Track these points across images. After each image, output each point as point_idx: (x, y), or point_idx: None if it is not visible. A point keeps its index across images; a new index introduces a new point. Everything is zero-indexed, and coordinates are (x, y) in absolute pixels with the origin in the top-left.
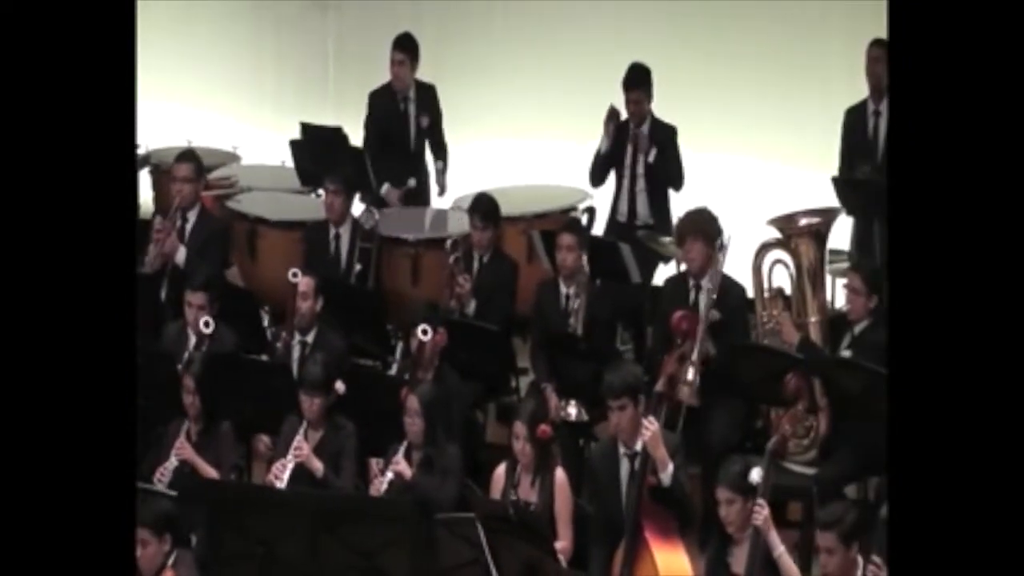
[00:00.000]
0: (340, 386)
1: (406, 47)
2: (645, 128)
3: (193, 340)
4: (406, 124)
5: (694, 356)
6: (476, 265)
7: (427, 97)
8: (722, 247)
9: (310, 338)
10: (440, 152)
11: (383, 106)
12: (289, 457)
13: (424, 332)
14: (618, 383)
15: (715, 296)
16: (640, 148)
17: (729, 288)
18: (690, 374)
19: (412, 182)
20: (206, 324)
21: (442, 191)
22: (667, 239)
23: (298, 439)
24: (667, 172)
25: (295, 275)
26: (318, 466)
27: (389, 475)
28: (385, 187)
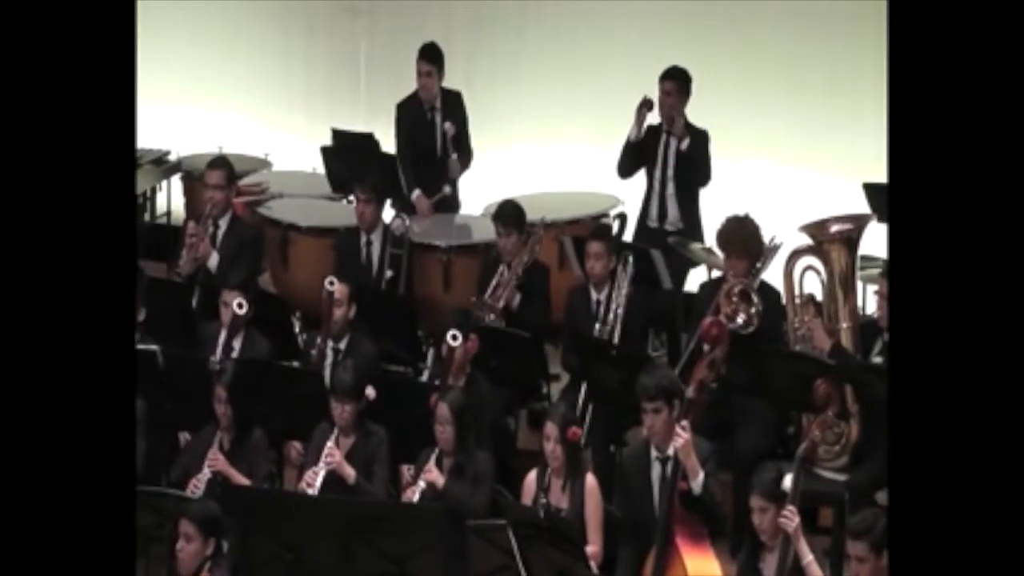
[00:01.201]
0: (371, 392)
1: (432, 58)
2: (676, 131)
3: (224, 338)
4: (433, 133)
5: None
6: (504, 272)
7: (453, 104)
8: (772, 249)
9: (343, 345)
10: (465, 158)
11: (410, 116)
12: (321, 464)
13: (454, 338)
14: (652, 384)
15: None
16: (671, 150)
17: (764, 294)
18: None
19: (447, 189)
20: (239, 305)
21: (454, 194)
22: (697, 245)
23: (329, 446)
24: (694, 182)
25: (331, 283)
26: (350, 472)
27: (421, 484)
28: (416, 193)
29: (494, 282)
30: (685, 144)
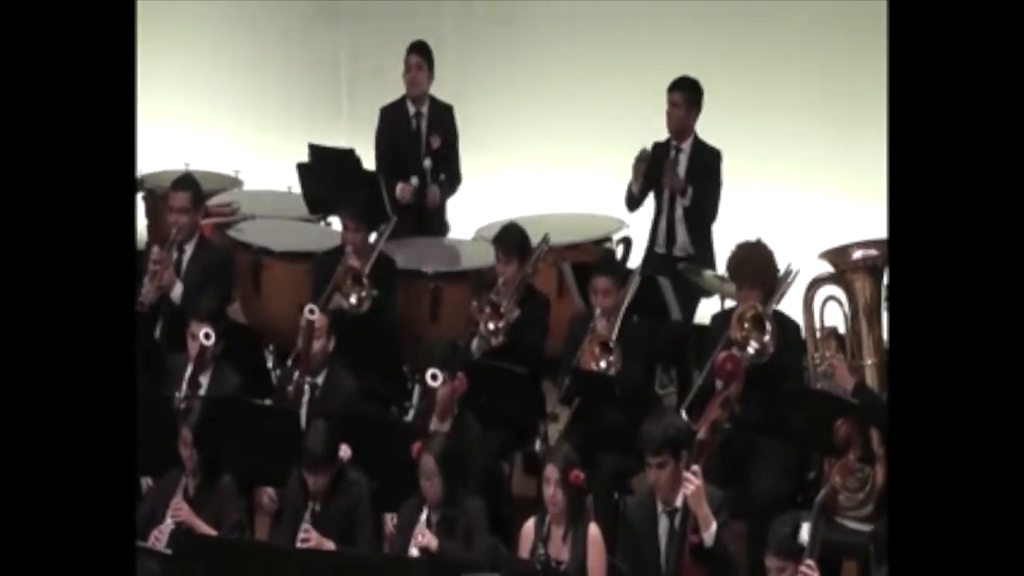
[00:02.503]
0: (346, 452)
1: (422, 52)
2: (686, 147)
3: (190, 372)
4: (418, 143)
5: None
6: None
7: (442, 117)
8: (788, 276)
9: (320, 380)
10: (452, 180)
11: (394, 122)
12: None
13: (434, 378)
14: (659, 437)
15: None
16: (678, 178)
17: (782, 326)
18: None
19: (414, 180)
20: (207, 337)
21: (438, 215)
22: (710, 272)
23: (305, 526)
24: (703, 192)
25: (311, 312)
26: (329, 546)
27: (414, 551)
28: (400, 186)
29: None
30: (687, 199)
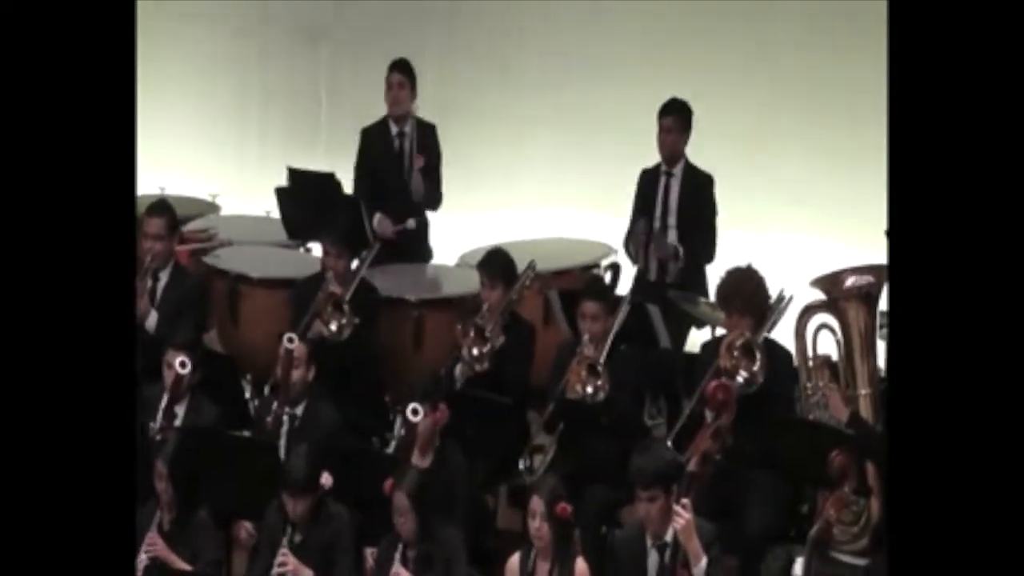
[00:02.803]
0: (327, 480)
1: (404, 70)
2: (677, 172)
3: (165, 403)
4: (400, 164)
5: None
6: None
7: (425, 136)
8: (780, 302)
9: (300, 411)
10: (433, 199)
11: (376, 144)
12: (274, 573)
13: (415, 413)
14: (649, 471)
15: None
16: (671, 194)
17: (774, 354)
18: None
19: (411, 223)
20: (183, 366)
21: (423, 236)
22: (702, 299)
23: (283, 551)
24: (697, 240)
25: (291, 340)
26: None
27: None
28: (378, 216)
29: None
30: (672, 237)
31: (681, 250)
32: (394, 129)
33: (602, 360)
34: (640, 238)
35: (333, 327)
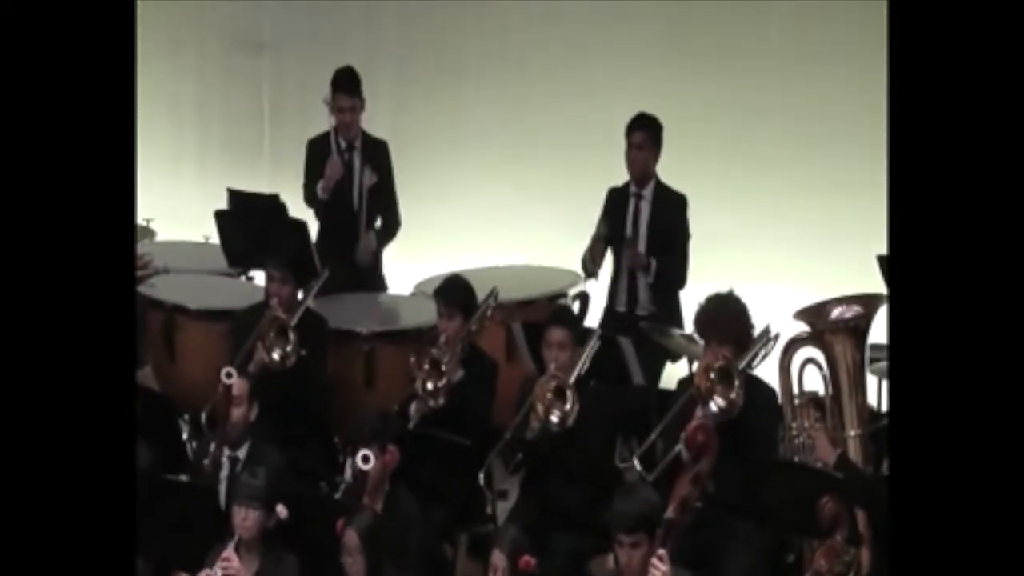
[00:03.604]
0: (282, 510)
1: (351, 89)
2: (647, 193)
3: None
4: (350, 179)
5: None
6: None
7: (376, 154)
8: (765, 336)
9: (242, 453)
10: (390, 225)
11: (321, 150)
12: (216, 571)
13: (365, 460)
14: (633, 514)
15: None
16: (641, 217)
17: (756, 391)
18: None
19: (373, 239)
20: None
21: (373, 268)
22: (677, 331)
23: (226, 553)
24: (669, 264)
25: (229, 375)
26: None
27: None
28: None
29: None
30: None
31: (654, 263)
32: (341, 143)
33: (571, 380)
34: (599, 245)
35: (276, 355)
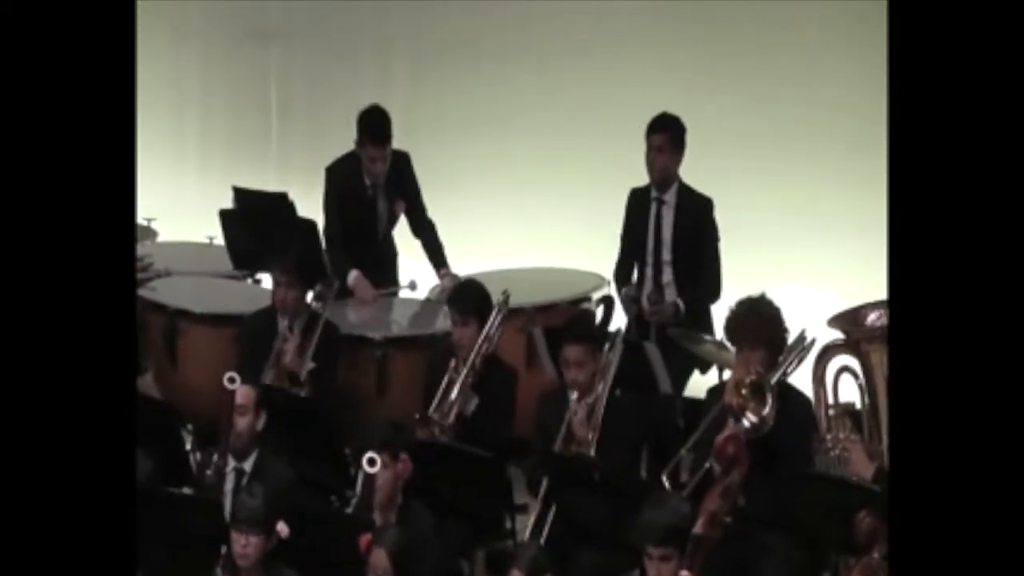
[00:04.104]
0: (283, 528)
1: (382, 139)
2: (670, 198)
3: None
4: (373, 209)
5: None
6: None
7: (400, 174)
8: (801, 344)
9: (248, 465)
10: (425, 237)
11: (344, 185)
12: None
13: (371, 463)
14: (662, 526)
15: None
16: (664, 222)
17: (791, 401)
18: None
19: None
20: None
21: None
22: (707, 337)
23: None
24: (699, 278)
25: (232, 381)
26: None
27: None
28: (354, 275)
29: (443, 384)
30: (667, 275)
31: (682, 305)
32: (367, 180)
33: (597, 420)
34: (631, 293)
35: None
